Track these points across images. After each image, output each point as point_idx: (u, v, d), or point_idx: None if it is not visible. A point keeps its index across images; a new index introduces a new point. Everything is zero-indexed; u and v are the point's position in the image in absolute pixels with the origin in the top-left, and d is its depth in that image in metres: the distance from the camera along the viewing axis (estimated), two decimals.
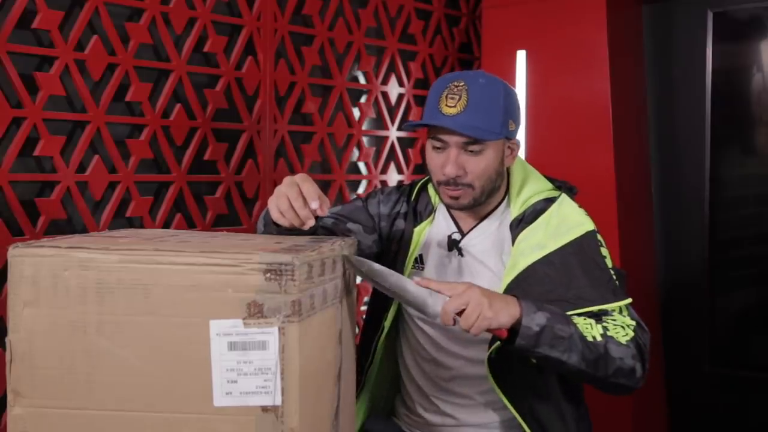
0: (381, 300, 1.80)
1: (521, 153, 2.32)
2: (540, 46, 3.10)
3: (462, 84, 1.67)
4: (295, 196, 1.47)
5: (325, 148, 2.94)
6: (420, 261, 1.84)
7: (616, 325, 1.62)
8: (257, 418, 1.22)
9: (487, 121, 1.66)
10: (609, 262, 1.73)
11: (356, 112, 3.07)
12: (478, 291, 1.48)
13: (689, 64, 3.19)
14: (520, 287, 1.67)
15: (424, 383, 1.83)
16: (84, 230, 2.25)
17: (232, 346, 1.22)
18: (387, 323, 1.83)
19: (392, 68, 3.20)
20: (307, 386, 1.25)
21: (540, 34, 3.11)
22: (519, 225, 1.75)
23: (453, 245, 1.80)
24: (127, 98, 2.37)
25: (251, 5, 2.68)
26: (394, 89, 3.20)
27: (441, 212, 1.86)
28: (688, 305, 3.23)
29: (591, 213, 1.79)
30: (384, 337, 1.84)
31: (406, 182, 2.70)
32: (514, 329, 1.51)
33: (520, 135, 2.94)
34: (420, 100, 3.30)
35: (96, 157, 2.30)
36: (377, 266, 1.48)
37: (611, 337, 1.58)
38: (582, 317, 1.61)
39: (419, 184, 1.93)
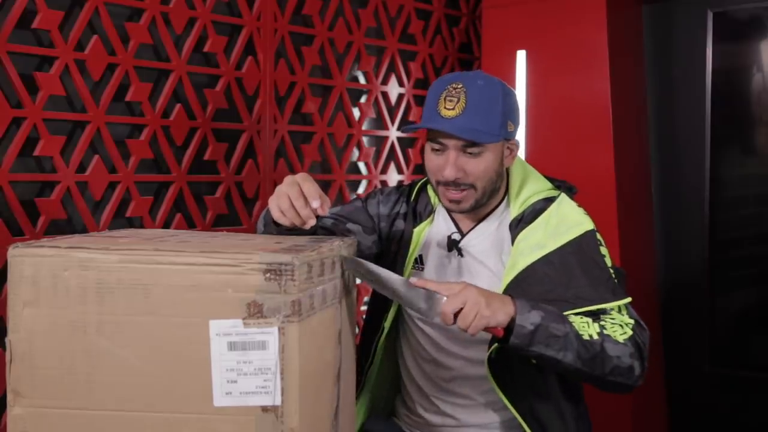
0: (381, 300, 1.80)
1: (521, 153, 2.32)
2: (540, 46, 3.10)
3: (460, 86, 1.67)
4: (296, 196, 1.47)
5: (325, 148, 2.94)
6: (420, 261, 1.84)
7: (614, 324, 1.62)
8: (257, 418, 1.22)
9: (485, 123, 1.66)
10: (608, 262, 1.73)
11: (356, 112, 3.07)
12: (475, 290, 1.49)
13: (689, 64, 3.19)
14: (520, 287, 1.67)
15: (425, 383, 1.83)
16: (84, 230, 2.25)
17: (232, 346, 1.22)
18: (387, 324, 1.83)
19: (392, 68, 3.20)
20: (306, 386, 1.25)
21: (540, 34, 3.11)
22: (518, 225, 1.75)
23: (453, 245, 1.80)
24: (127, 98, 2.37)
25: (251, 5, 2.68)
26: (394, 89, 3.20)
27: (440, 213, 1.86)
28: (688, 305, 3.23)
29: (591, 213, 1.79)
30: (384, 338, 1.84)
31: (406, 182, 2.70)
32: (510, 328, 1.51)
33: (520, 135, 2.95)
34: (420, 100, 3.30)
35: (96, 157, 2.30)
36: (374, 267, 1.48)
37: (608, 335, 1.58)
38: (579, 316, 1.61)
39: (419, 184, 1.93)
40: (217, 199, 2.60)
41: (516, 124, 1.75)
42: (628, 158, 3.05)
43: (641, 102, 3.24)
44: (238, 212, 2.67)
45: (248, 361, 1.22)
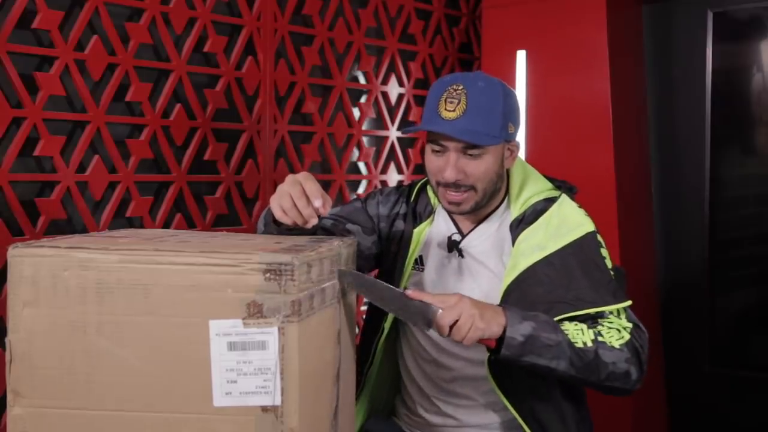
0: None
1: (521, 153, 2.32)
2: (540, 46, 3.10)
3: (461, 88, 1.66)
4: (298, 195, 1.47)
5: (325, 148, 2.94)
6: (420, 262, 1.84)
7: (611, 329, 1.63)
8: (257, 418, 1.22)
9: (486, 125, 1.66)
10: (609, 263, 1.73)
11: (356, 112, 3.07)
12: (470, 302, 1.50)
13: (689, 64, 3.19)
14: (520, 288, 1.67)
15: (425, 384, 1.83)
16: (84, 230, 2.25)
17: (232, 346, 1.22)
18: (387, 324, 1.83)
19: (392, 68, 3.20)
20: (306, 386, 1.25)
21: (540, 34, 3.11)
22: (519, 225, 1.74)
23: (453, 246, 1.80)
24: (127, 98, 2.37)
25: (251, 5, 2.68)
26: (394, 89, 3.20)
27: (441, 213, 1.86)
28: (688, 305, 3.23)
29: (591, 213, 1.79)
30: (384, 339, 1.84)
31: (406, 182, 2.70)
32: (502, 339, 1.52)
33: (520, 135, 2.94)
34: (420, 100, 3.30)
35: (96, 157, 2.30)
36: (370, 279, 1.48)
37: (603, 342, 1.59)
38: (573, 323, 1.61)
39: (418, 185, 1.93)
40: (217, 199, 2.60)
41: (516, 125, 1.75)
42: (628, 158, 3.05)
43: (641, 102, 3.24)
44: (238, 212, 2.67)
45: (248, 361, 1.22)
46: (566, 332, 1.57)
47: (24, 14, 2.12)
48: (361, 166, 3.12)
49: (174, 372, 1.23)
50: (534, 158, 2.98)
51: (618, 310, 1.67)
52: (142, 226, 2.40)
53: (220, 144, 2.60)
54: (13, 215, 2.11)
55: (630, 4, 3.16)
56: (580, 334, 1.58)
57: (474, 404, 1.79)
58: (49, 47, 2.19)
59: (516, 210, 1.76)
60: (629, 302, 1.68)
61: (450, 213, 1.82)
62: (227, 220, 2.65)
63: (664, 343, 3.24)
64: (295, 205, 1.47)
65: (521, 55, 3.10)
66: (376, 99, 3.13)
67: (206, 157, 2.57)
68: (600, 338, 1.59)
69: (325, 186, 2.93)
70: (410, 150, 3.28)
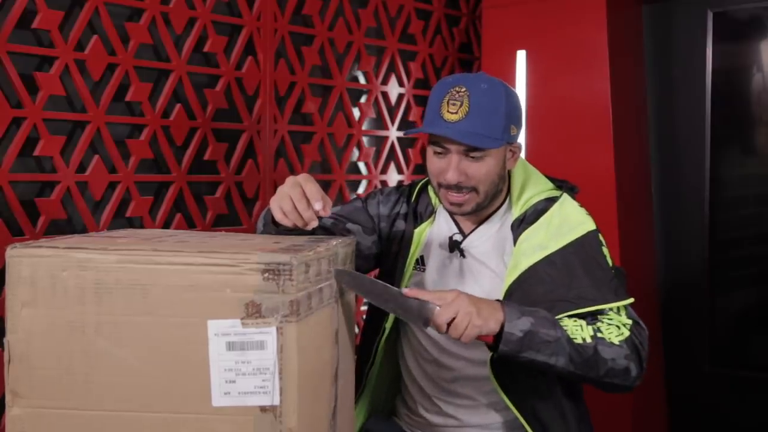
0: None
1: (521, 153, 2.32)
2: (540, 46, 3.10)
3: (464, 89, 1.66)
4: (298, 197, 1.47)
5: (325, 148, 2.94)
6: (421, 262, 1.84)
7: (611, 325, 1.63)
8: (256, 418, 1.23)
9: (488, 127, 1.66)
10: (610, 262, 1.73)
11: (356, 112, 3.07)
12: (467, 299, 1.49)
13: (689, 64, 3.19)
14: (522, 288, 1.67)
15: (426, 384, 1.83)
16: (84, 230, 2.25)
17: (231, 346, 1.22)
18: (388, 325, 1.83)
19: (392, 68, 3.20)
20: (305, 386, 1.26)
21: (540, 34, 3.11)
22: (520, 225, 1.74)
23: (455, 246, 1.80)
24: (127, 98, 2.37)
25: (251, 5, 2.68)
26: (394, 89, 3.20)
27: (442, 213, 1.86)
28: (688, 305, 3.23)
29: (591, 213, 1.79)
30: (384, 339, 1.84)
31: (406, 182, 2.70)
32: (500, 335, 1.52)
33: (520, 135, 2.94)
34: (420, 100, 3.30)
35: (96, 157, 2.30)
36: (367, 278, 1.48)
37: (602, 338, 1.59)
38: (572, 319, 1.61)
39: (419, 185, 1.93)
40: (217, 199, 2.60)
41: (519, 127, 1.75)
42: (628, 158, 3.05)
43: (641, 102, 3.24)
44: (238, 212, 2.67)
45: (247, 361, 1.22)
46: (565, 328, 1.57)
47: (24, 14, 2.12)
48: (361, 166, 3.12)
49: (172, 372, 1.23)
50: (534, 158, 2.98)
51: (618, 308, 1.67)
52: (142, 226, 2.40)
53: (220, 144, 2.60)
54: (13, 215, 2.11)
55: (630, 4, 3.16)
56: (579, 330, 1.58)
57: (475, 404, 1.79)
58: (49, 47, 2.19)
59: (517, 210, 1.76)
60: (631, 300, 1.68)
61: (451, 213, 1.82)
62: (227, 220, 2.65)
63: (664, 343, 3.24)
64: (296, 208, 1.47)
65: (521, 55, 3.10)
66: (376, 99, 3.13)
67: (206, 157, 2.57)
68: (599, 334, 1.59)
69: (325, 186, 2.93)
70: (410, 150, 3.28)
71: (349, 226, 1.84)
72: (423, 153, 3.30)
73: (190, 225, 2.54)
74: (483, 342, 1.56)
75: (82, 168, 2.28)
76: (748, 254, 3.19)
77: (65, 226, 2.24)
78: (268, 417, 1.22)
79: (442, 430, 1.82)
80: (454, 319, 1.48)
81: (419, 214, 1.88)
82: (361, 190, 3.12)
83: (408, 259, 1.84)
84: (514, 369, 1.66)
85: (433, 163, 1.72)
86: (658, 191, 3.27)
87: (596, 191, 2.78)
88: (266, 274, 1.21)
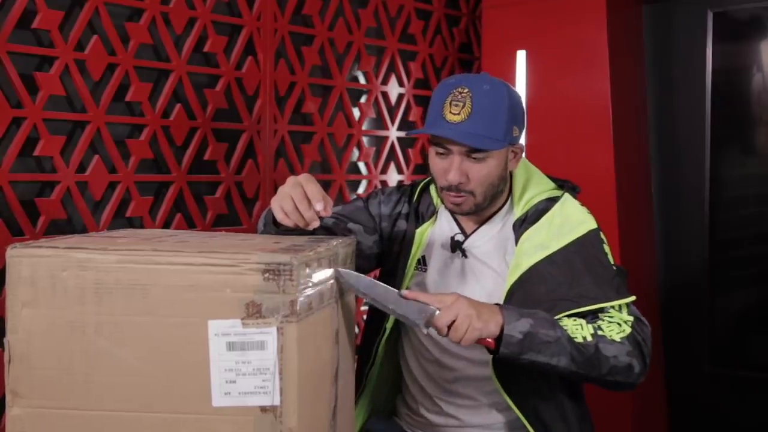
0: None
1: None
2: (540, 46, 3.10)
3: (466, 90, 1.66)
4: (299, 198, 1.47)
5: (325, 148, 2.94)
6: (423, 262, 1.84)
7: (612, 323, 1.63)
8: (256, 418, 1.23)
9: (490, 129, 1.66)
10: (611, 260, 1.74)
11: (356, 112, 3.07)
12: (466, 303, 1.50)
13: (689, 64, 3.19)
14: (524, 287, 1.68)
15: (428, 384, 1.83)
16: (84, 230, 2.25)
17: (231, 346, 1.22)
18: (388, 325, 1.83)
19: (392, 68, 3.20)
20: (305, 386, 1.25)
21: (540, 34, 3.11)
22: (522, 225, 1.75)
23: (456, 246, 1.80)
24: (127, 98, 2.37)
25: (251, 5, 2.68)
26: (394, 89, 3.20)
27: (443, 213, 1.86)
28: (688, 305, 3.23)
29: (589, 210, 1.79)
30: (385, 339, 1.84)
31: (406, 182, 2.70)
32: (500, 338, 1.53)
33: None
34: (420, 100, 3.30)
35: (96, 157, 2.30)
36: (368, 280, 1.48)
37: (603, 336, 1.59)
38: (572, 318, 1.62)
39: (421, 185, 1.93)
40: (217, 199, 2.60)
41: (521, 128, 1.75)
42: (628, 158, 3.05)
43: (641, 102, 3.24)
44: (238, 212, 2.67)
45: (247, 361, 1.22)
46: (565, 328, 1.57)
47: (24, 14, 2.12)
48: (361, 166, 3.12)
49: (173, 372, 1.23)
50: (534, 158, 2.95)
51: (620, 305, 1.67)
52: (142, 226, 2.40)
53: (220, 144, 2.60)
54: (13, 215, 2.11)
55: (630, 4, 3.16)
56: (579, 329, 1.58)
57: (476, 404, 1.79)
58: (49, 47, 2.19)
59: (519, 210, 1.77)
60: (633, 297, 1.69)
61: (453, 213, 1.82)
62: (227, 220, 2.65)
63: (664, 342, 3.24)
64: (297, 208, 1.47)
65: (521, 55, 3.10)
66: (376, 99, 3.13)
67: (206, 157, 2.57)
68: (600, 332, 1.60)
69: (325, 186, 2.93)
70: (410, 150, 3.28)
71: (351, 225, 1.84)
72: (423, 153, 3.31)
73: (190, 225, 2.54)
74: (483, 346, 1.56)
75: (82, 168, 2.28)
76: (748, 254, 3.19)
77: (65, 226, 2.24)
78: (268, 417, 1.22)
79: (443, 430, 1.82)
80: (454, 321, 1.48)
81: (421, 214, 1.88)
82: (361, 190, 3.12)
83: (409, 260, 1.84)
84: (516, 369, 1.66)
85: (436, 164, 1.72)
86: (658, 191, 3.27)
87: (596, 191, 2.78)
88: (266, 274, 1.21)
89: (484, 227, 1.80)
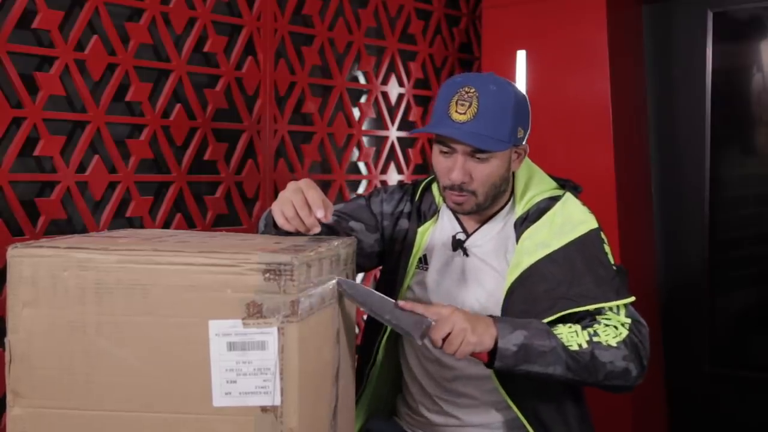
0: None
1: None
2: (540, 46, 3.10)
3: (473, 90, 1.66)
4: (300, 204, 1.47)
5: (325, 148, 2.94)
6: (424, 261, 1.84)
7: (608, 326, 1.63)
8: (256, 418, 1.23)
9: (496, 130, 1.66)
10: (612, 260, 1.74)
11: (356, 112, 3.07)
12: (462, 316, 1.51)
13: (689, 64, 3.19)
14: (524, 286, 1.68)
15: (428, 383, 1.83)
16: (84, 230, 2.25)
17: (232, 346, 1.22)
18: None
19: (392, 68, 3.20)
20: (305, 386, 1.25)
21: (540, 34, 3.11)
22: (523, 223, 1.75)
23: (458, 245, 1.80)
24: (127, 98, 2.37)
25: (251, 5, 2.68)
26: (394, 89, 3.20)
27: (445, 212, 1.86)
28: (688, 305, 3.23)
29: (590, 209, 1.79)
30: (386, 339, 1.84)
31: (407, 182, 2.70)
32: (495, 351, 1.54)
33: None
34: (420, 100, 3.30)
35: (96, 157, 2.30)
36: (364, 289, 1.49)
37: (598, 342, 1.60)
38: (567, 325, 1.62)
39: (423, 183, 1.93)
40: (217, 199, 2.60)
41: (526, 129, 1.75)
42: (628, 158, 3.05)
43: (641, 102, 3.24)
44: (238, 212, 2.67)
45: (248, 361, 1.22)
46: (560, 336, 1.58)
47: (24, 14, 2.12)
48: (361, 166, 3.12)
49: (173, 372, 1.23)
50: (534, 158, 2.95)
51: (618, 306, 1.67)
52: (142, 226, 2.40)
53: (220, 144, 2.59)
54: (13, 215, 2.11)
55: (630, 4, 3.16)
56: (574, 337, 1.59)
57: (476, 403, 1.79)
58: (49, 47, 2.19)
59: (520, 208, 1.77)
60: (632, 298, 1.69)
61: (455, 212, 1.83)
62: (227, 220, 2.65)
63: (664, 342, 3.24)
64: (298, 215, 1.47)
65: (521, 55, 3.10)
66: (376, 99, 3.13)
67: (206, 157, 2.57)
68: (595, 338, 1.60)
69: (325, 186, 2.93)
70: (410, 150, 3.28)
71: (352, 224, 1.84)
72: (423, 153, 3.31)
73: (190, 225, 2.54)
74: (479, 360, 1.58)
75: (82, 168, 2.27)
76: (748, 254, 3.19)
77: (65, 226, 2.24)
78: (268, 417, 1.22)
79: (443, 430, 1.82)
80: (449, 334, 1.49)
81: (423, 212, 1.88)
82: (361, 190, 3.12)
83: (411, 258, 1.84)
84: None
85: (440, 162, 1.72)
86: (658, 191, 3.27)
87: (596, 191, 2.77)
88: (267, 275, 1.21)
89: (485, 226, 1.80)
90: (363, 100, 3.11)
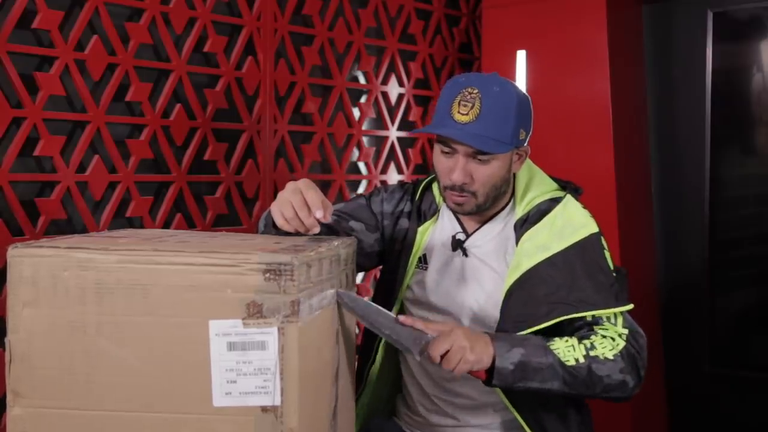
0: (383, 301, 1.80)
1: None
2: (540, 46, 3.10)
3: (476, 91, 1.66)
4: (300, 205, 1.47)
5: (325, 148, 2.94)
6: (424, 261, 1.84)
7: (605, 338, 1.64)
8: (256, 418, 1.23)
9: (498, 131, 1.65)
10: (611, 266, 1.73)
11: (356, 112, 3.07)
12: (461, 334, 1.52)
13: (689, 64, 3.19)
14: (523, 288, 1.67)
15: (426, 383, 1.83)
16: (84, 230, 2.25)
17: (232, 346, 1.22)
18: None
19: (392, 68, 3.20)
20: (306, 386, 1.26)
21: (540, 34, 3.11)
22: (523, 225, 1.74)
23: (457, 245, 1.80)
24: (127, 98, 2.37)
25: (251, 5, 2.68)
26: (394, 89, 3.20)
27: (445, 212, 1.86)
28: (688, 305, 3.23)
29: (592, 213, 1.79)
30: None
31: (407, 181, 2.70)
32: (492, 369, 1.55)
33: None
34: (420, 100, 3.30)
35: (96, 157, 2.30)
36: (363, 302, 1.49)
37: (595, 356, 1.60)
38: (564, 339, 1.62)
39: (423, 183, 1.92)
40: (217, 199, 2.60)
41: (528, 130, 1.74)
42: (628, 158, 3.05)
43: (641, 102, 3.24)
44: (238, 212, 2.67)
45: (248, 361, 1.22)
46: (557, 351, 1.59)
47: (24, 14, 2.12)
48: (361, 166, 3.12)
49: (173, 372, 1.23)
50: (534, 158, 2.95)
51: (615, 315, 1.67)
52: (142, 226, 2.40)
53: (220, 144, 2.59)
54: (13, 215, 2.11)
55: (630, 4, 3.16)
56: (571, 351, 1.59)
57: (474, 404, 1.79)
58: (49, 47, 2.19)
59: (521, 210, 1.76)
60: (631, 306, 1.68)
61: (455, 212, 1.82)
62: (227, 220, 2.65)
63: (664, 343, 3.24)
64: (297, 215, 1.47)
65: (521, 55, 3.10)
66: (376, 99, 3.13)
67: (206, 157, 2.57)
68: (592, 352, 1.60)
69: (325, 186, 2.93)
70: (410, 150, 3.28)
71: (352, 223, 1.84)
72: (423, 153, 3.31)
73: (190, 225, 2.54)
74: (476, 378, 1.59)
75: (82, 168, 2.27)
76: (748, 254, 3.19)
77: (65, 226, 2.24)
78: (269, 417, 1.22)
79: (441, 430, 1.82)
80: (447, 351, 1.49)
81: (423, 212, 1.88)
82: (361, 190, 3.12)
83: (410, 258, 1.84)
84: None
85: (441, 162, 1.72)
86: (658, 191, 3.27)
87: (596, 191, 2.77)
88: (267, 274, 1.21)
89: (485, 227, 1.80)
90: (363, 100, 3.11)
